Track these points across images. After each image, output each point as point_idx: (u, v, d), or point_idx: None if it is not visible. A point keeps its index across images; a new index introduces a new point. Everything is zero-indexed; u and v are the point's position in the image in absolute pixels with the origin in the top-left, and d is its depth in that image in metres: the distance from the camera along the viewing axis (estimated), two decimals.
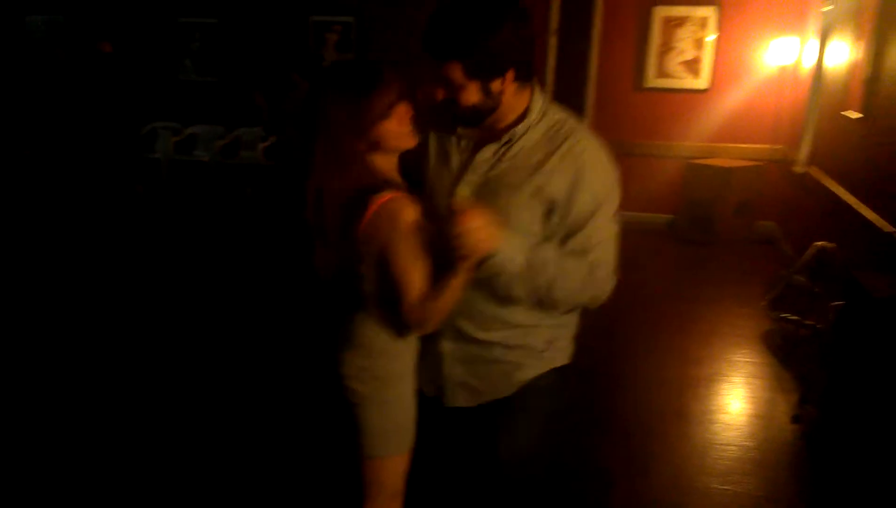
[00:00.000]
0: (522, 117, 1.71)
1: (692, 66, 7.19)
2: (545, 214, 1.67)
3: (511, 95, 1.67)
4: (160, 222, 7.11)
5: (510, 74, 1.63)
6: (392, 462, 1.87)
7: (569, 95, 7.69)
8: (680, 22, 7.13)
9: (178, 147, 8.61)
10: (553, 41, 7.49)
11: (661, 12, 7.14)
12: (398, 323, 1.74)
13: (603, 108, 7.47)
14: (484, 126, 1.73)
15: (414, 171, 1.84)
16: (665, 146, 7.31)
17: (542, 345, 1.83)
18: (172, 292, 5.15)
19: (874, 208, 4.13)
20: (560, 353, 1.89)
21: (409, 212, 1.65)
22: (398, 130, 1.69)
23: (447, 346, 1.84)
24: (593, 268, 1.67)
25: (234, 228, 7.11)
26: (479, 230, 1.52)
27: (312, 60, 6.28)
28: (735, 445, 3.29)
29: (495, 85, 1.63)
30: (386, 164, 1.74)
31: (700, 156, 7.05)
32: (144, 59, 8.60)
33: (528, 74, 1.68)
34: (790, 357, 4.17)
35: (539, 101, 1.73)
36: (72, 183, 7.02)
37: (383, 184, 1.68)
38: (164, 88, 8.72)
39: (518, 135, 1.71)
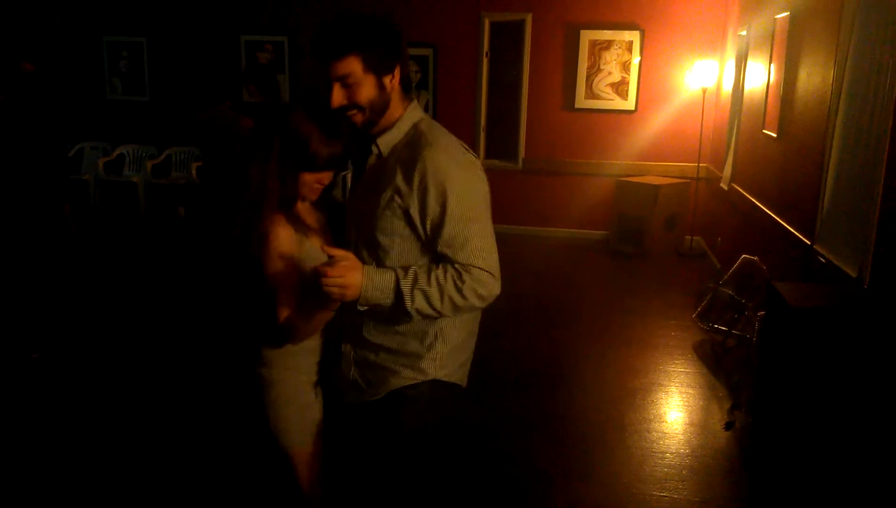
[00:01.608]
0: (390, 129, 1.85)
1: (619, 87, 7.45)
2: (406, 220, 1.78)
3: (396, 99, 1.83)
4: (89, 243, 6.90)
5: (397, 72, 1.80)
6: (297, 453, 2.08)
7: (501, 117, 7.86)
8: (606, 45, 7.39)
9: (107, 167, 8.39)
10: (485, 63, 7.65)
11: (589, 35, 7.39)
12: (273, 333, 1.96)
13: (535, 128, 7.66)
14: (374, 133, 1.85)
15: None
16: (596, 165, 7.53)
17: (420, 352, 1.89)
18: (97, 313, 5.01)
19: (791, 223, 4.37)
20: (440, 368, 1.91)
21: (280, 234, 1.86)
22: (314, 184, 1.90)
23: (346, 347, 1.97)
24: (465, 271, 1.74)
25: (166, 248, 6.97)
26: (343, 280, 1.67)
27: (265, 75, 6.21)
28: (671, 452, 3.41)
29: (387, 80, 1.78)
30: (300, 206, 1.95)
31: (630, 174, 7.29)
32: (70, 78, 8.39)
33: (407, 81, 1.85)
34: (721, 366, 4.36)
35: (415, 115, 1.87)
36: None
37: (279, 202, 1.87)
38: (92, 108, 8.51)
39: (384, 146, 1.84)
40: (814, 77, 4.20)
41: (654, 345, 4.77)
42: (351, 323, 1.94)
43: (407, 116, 1.86)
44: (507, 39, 7.63)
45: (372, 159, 1.88)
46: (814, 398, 2.84)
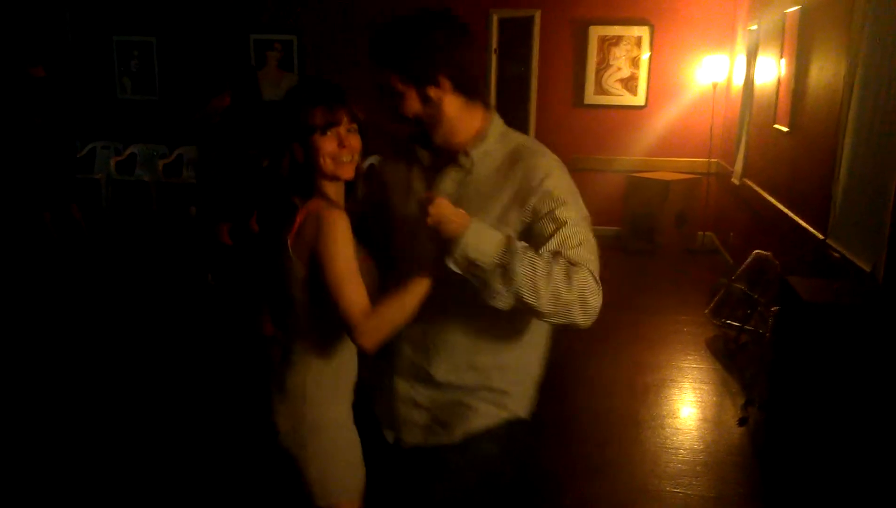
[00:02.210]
0: (478, 140, 1.69)
1: (629, 83, 7.43)
2: (521, 235, 1.62)
3: (455, 109, 1.66)
4: (101, 243, 6.94)
5: (445, 83, 1.62)
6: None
7: (510, 113, 7.84)
8: (615, 41, 7.37)
9: (119, 167, 8.44)
10: (493, 60, 7.64)
11: (598, 31, 7.37)
12: (334, 342, 1.69)
13: (544, 124, 7.64)
14: (439, 148, 1.71)
15: (373, 220, 1.82)
16: (606, 161, 7.52)
17: (506, 388, 1.75)
18: (111, 314, 5.05)
19: (803, 218, 4.35)
20: (519, 403, 1.78)
21: (341, 220, 1.62)
22: (334, 151, 1.67)
23: (402, 384, 1.77)
24: (578, 267, 1.55)
25: (178, 249, 7.00)
26: (447, 211, 1.50)
27: (247, 73, 6.22)
28: (685, 448, 3.41)
29: (432, 92, 1.63)
30: (332, 190, 1.71)
31: (640, 170, 7.28)
32: (81, 78, 8.42)
33: (470, 89, 1.68)
34: (734, 362, 4.35)
35: (498, 126, 1.73)
36: (8, 207, 6.82)
37: (319, 197, 1.69)
38: (102, 108, 8.55)
39: (476, 160, 1.68)
40: (825, 71, 4.18)
41: (667, 341, 4.77)
42: (412, 358, 1.74)
43: (494, 127, 1.71)
44: (516, 36, 7.62)
45: (452, 174, 1.71)
46: (828, 394, 2.83)
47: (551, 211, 1.60)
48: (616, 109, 7.45)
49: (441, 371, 1.72)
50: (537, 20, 7.43)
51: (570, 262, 1.54)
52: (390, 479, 1.81)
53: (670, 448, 3.40)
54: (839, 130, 3.82)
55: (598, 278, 1.58)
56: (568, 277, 1.51)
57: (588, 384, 4.11)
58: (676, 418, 3.74)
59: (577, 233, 1.60)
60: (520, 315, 1.60)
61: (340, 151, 1.67)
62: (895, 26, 3.27)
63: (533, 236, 1.60)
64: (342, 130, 1.68)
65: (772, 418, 3.33)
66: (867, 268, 3.32)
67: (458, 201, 1.60)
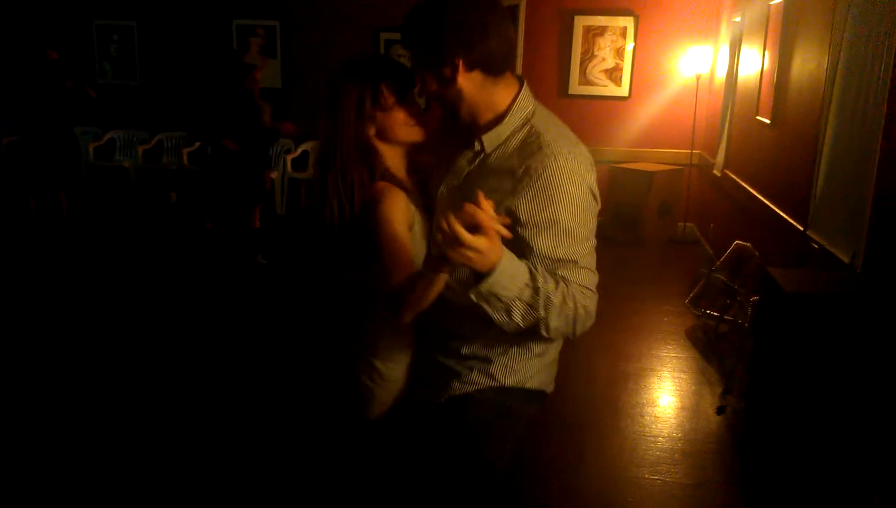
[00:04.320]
0: (494, 123, 1.66)
1: (613, 74, 7.44)
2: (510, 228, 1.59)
3: (475, 88, 1.63)
4: (80, 229, 6.87)
5: (459, 63, 1.59)
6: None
7: None
8: (600, 31, 7.37)
9: (97, 152, 8.34)
10: None
11: (583, 21, 7.37)
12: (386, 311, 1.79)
13: None
14: (465, 125, 1.70)
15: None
16: (590, 151, 7.48)
17: (490, 356, 1.76)
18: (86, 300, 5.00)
19: (784, 209, 4.39)
20: (510, 374, 1.77)
21: (393, 199, 1.72)
22: (405, 118, 1.77)
23: (427, 346, 1.86)
24: (581, 293, 1.59)
25: (159, 233, 6.94)
26: (484, 245, 1.41)
27: (234, 60, 6.19)
28: (664, 436, 3.43)
29: (446, 71, 1.61)
30: (393, 157, 1.81)
31: (623, 161, 7.30)
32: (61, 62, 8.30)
33: (492, 67, 1.62)
34: (713, 351, 4.38)
35: (524, 107, 1.68)
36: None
37: (381, 174, 1.76)
38: (82, 92, 8.43)
39: (491, 141, 1.67)
40: (808, 63, 4.20)
41: (648, 330, 4.80)
42: (426, 317, 1.74)
43: (517, 109, 1.66)
44: None
45: (468, 155, 1.71)
46: (807, 383, 2.86)
47: (563, 223, 1.58)
48: (600, 100, 7.46)
49: (444, 329, 1.77)
50: (522, 9, 7.41)
51: (577, 285, 1.59)
52: (405, 433, 1.93)
53: (649, 436, 3.42)
54: (820, 122, 3.84)
55: (595, 292, 1.64)
56: (576, 311, 1.58)
57: (568, 372, 4.08)
58: (656, 406, 3.77)
59: (587, 254, 1.62)
60: None
61: (410, 116, 1.78)
62: (877, 19, 3.29)
63: (543, 240, 1.58)
64: (407, 98, 1.77)
65: (750, 407, 3.37)
66: (846, 259, 3.35)
67: (469, 183, 1.67)
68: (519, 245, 1.58)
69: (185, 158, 8.05)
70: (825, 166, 3.82)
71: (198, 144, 7.82)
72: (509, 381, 1.77)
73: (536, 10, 7.41)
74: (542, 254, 1.58)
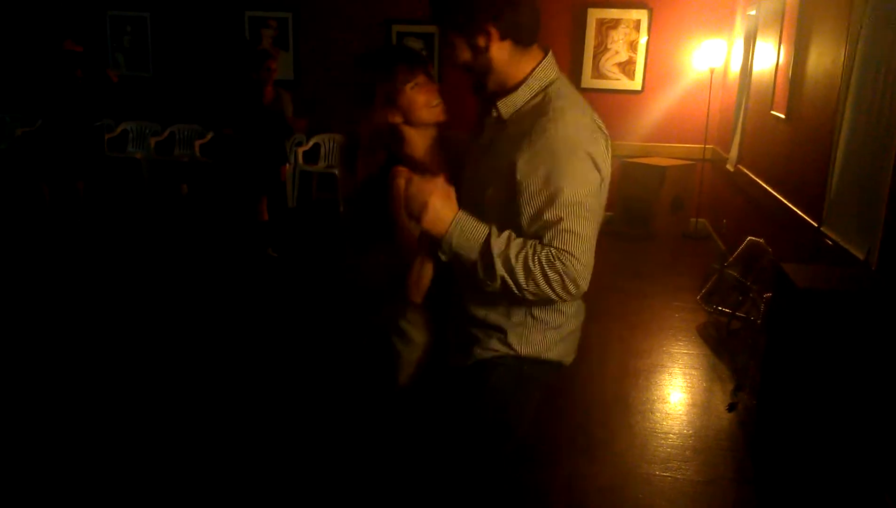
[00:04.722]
0: (511, 91, 1.72)
1: (626, 67, 7.39)
2: (512, 193, 1.65)
3: (505, 57, 1.69)
4: (94, 220, 6.90)
5: (494, 32, 1.65)
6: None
7: None
8: (613, 24, 7.32)
9: (110, 144, 8.37)
10: None
11: (596, 14, 7.32)
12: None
13: None
14: (491, 94, 1.75)
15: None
16: (601, 122, 7.47)
17: (505, 325, 1.80)
18: (102, 291, 5.02)
19: (798, 205, 4.35)
20: (526, 345, 1.81)
21: (402, 181, 1.81)
22: (425, 100, 1.93)
23: (454, 313, 1.93)
24: (558, 259, 1.60)
25: (169, 225, 6.97)
26: (428, 199, 1.62)
27: (247, 48, 6.19)
28: (675, 433, 3.42)
29: (480, 40, 1.66)
30: (422, 140, 1.97)
31: (636, 155, 7.25)
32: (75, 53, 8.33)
33: (521, 37, 1.69)
34: (724, 348, 4.35)
35: (544, 77, 1.72)
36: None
37: (402, 160, 1.90)
38: (102, 79, 8.46)
39: (507, 107, 1.72)
40: (824, 57, 4.15)
41: (659, 327, 4.77)
42: (457, 289, 1.89)
43: (535, 77, 1.71)
44: None
45: (491, 122, 1.77)
46: (820, 380, 2.83)
47: (554, 184, 1.60)
48: (613, 94, 7.41)
49: (467, 299, 1.84)
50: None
51: (557, 252, 1.60)
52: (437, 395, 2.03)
53: (660, 433, 3.41)
54: (836, 117, 3.80)
55: (587, 261, 1.63)
56: (547, 276, 1.60)
57: (579, 367, 4.08)
58: (666, 402, 3.75)
59: (573, 217, 1.61)
60: None
61: (430, 98, 1.94)
62: (895, 12, 3.24)
63: (533, 201, 1.63)
64: (423, 82, 1.94)
65: (762, 404, 3.34)
66: (861, 256, 3.31)
67: (485, 150, 1.77)
68: (513, 198, 1.65)
69: (196, 150, 8.06)
70: (840, 162, 3.78)
71: (210, 135, 7.85)
72: (525, 351, 1.82)
73: (549, 3, 7.35)
74: (530, 213, 1.63)
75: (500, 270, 1.61)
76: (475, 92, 1.80)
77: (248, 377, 3.81)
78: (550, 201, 1.60)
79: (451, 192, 1.66)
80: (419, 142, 1.97)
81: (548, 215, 1.61)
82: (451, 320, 1.94)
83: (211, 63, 7.86)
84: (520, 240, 1.63)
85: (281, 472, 2.96)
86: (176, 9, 8.25)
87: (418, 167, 1.86)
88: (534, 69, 1.72)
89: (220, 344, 4.23)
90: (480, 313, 1.82)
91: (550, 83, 1.72)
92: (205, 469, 2.99)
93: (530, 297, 1.64)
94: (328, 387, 3.68)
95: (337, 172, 7.82)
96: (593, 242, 1.66)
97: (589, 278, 1.65)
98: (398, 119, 1.94)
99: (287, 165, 6.13)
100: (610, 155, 1.72)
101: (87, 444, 3.13)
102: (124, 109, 8.47)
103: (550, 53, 1.76)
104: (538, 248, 1.61)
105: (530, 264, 1.60)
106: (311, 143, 8.08)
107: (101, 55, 8.43)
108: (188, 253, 6.06)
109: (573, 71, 7.40)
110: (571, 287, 1.62)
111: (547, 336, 1.83)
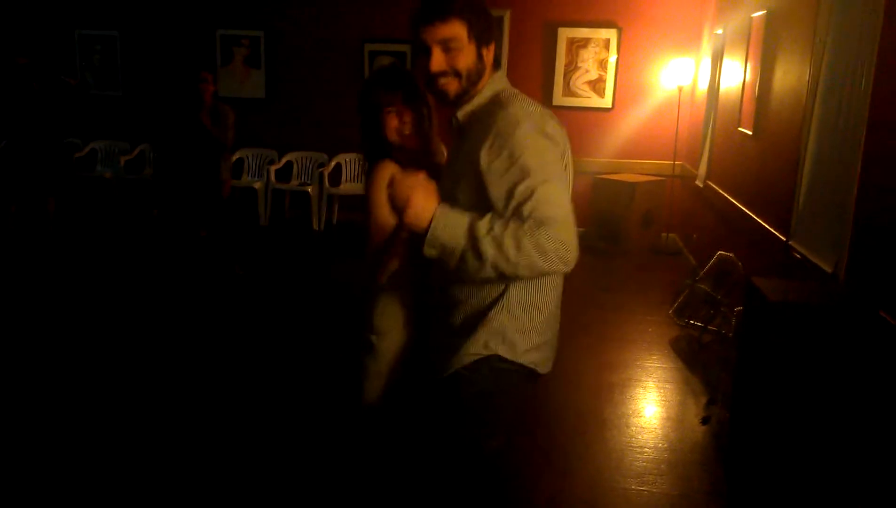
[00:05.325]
0: (469, 99, 1.85)
1: (596, 85, 7.48)
2: (481, 188, 1.71)
3: (488, 71, 1.85)
4: (63, 239, 6.79)
5: (492, 48, 1.83)
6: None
7: None
8: (584, 43, 7.42)
9: (79, 163, 8.26)
10: None
11: (566, 33, 7.42)
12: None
13: None
14: (452, 101, 1.85)
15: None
16: (574, 162, 7.53)
17: (482, 324, 1.82)
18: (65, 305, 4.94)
19: (766, 219, 4.42)
20: (501, 343, 1.82)
21: (384, 171, 2.07)
22: (396, 126, 2.16)
23: (431, 325, 1.99)
24: (542, 224, 1.61)
25: (140, 243, 6.88)
26: (414, 194, 1.66)
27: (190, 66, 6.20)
28: (650, 447, 3.43)
29: (485, 52, 1.81)
30: (401, 155, 2.17)
31: (606, 171, 7.33)
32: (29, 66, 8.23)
33: (497, 58, 1.86)
34: (697, 362, 4.39)
35: (495, 86, 1.86)
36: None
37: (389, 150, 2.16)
38: (60, 87, 8.36)
39: (465, 114, 1.85)
40: (790, 75, 4.24)
41: (632, 341, 4.80)
42: (432, 301, 1.96)
43: (489, 85, 1.85)
44: None
45: (453, 133, 1.91)
46: (791, 392, 2.87)
47: (517, 160, 1.67)
48: (584, 111, 7.50)
49: (444, 309, 1.89)
50: (507, 21, 7.44)
51: (537, 221, 1.61)
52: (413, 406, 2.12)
53: (636, 447, 3.42)
54: (802, 133, 3.88)
55: (569, 224, 1.65)
56: (538, 244, 1.60)
57: (554, 382, 4.10)
58: (641, 417, 3.76)
59: (543, 184, 1.65)
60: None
61: (402, 125, 2.16)
62: (858, 31, 3.33)
63: (502, 183, 1.67)
64: (401, 107, 2.16)
65: (735, 417, 3.37)
66: (829, 269, 3.37)
67: (454, 154, 1.89)
68: (485, 193, 1.70)
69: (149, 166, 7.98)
70: (807, 177, 3.86)
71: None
72: (502, 350, 1.83)
73: (521, 22, 7.45)
74: (502, 195, 1.68)
75: (489, 248, 1.61)
76: (441, 103, 1.87)
77: (217, 398, 3.76)
78: (518, 176, 1.66)
79: (433, 187, 1.70)
80: (402, 160, 2.14)
81: (520, 190, 1.65)
82: (425, 335, 1.97)
83: (181, 82, 7.81)
84: (502, 219, 1.65)
85: (259, 486, 2.92)
86: (146, 27, 8.20)
87: (406, 163, 2.07)
88: (487, 81, 1.86)
89: (188, 365, 4.17)
90: (458, 318, 1.85)
91: (503, 90, 1.86)
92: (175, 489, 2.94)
93: (524, 272, 1.63)
94: (306, 403, 3.65)
95: (310, 190, 7.80)
96: (570, 208, 1.69)
97: (577, 243, 1.64)
98: (386, 131, 2.18)
99: (226, 181, 5.99)
100: (568, 144, 1.85)
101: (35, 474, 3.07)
102: (93, 128, 8.39)
103: (502, 68, 1.91)
104: (522, 223, 1.62)
105: (519, 235, 1.60)
106: (283, 161, 8.05)
107: (69, 74, 8.35)
108: (155, 272, 5.98)
109: (545, 89, 7.48)
110: (563, 251, 1.61)
111: (525, 337, 1.85)
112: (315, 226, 7.88)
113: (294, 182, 8.06)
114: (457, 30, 1.75)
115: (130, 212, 8.03)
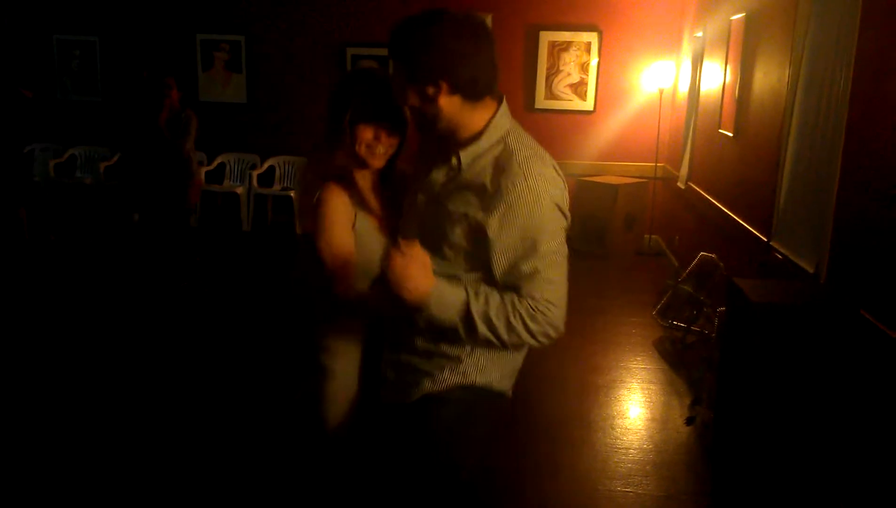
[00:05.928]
0: (471, 141, 1.71)
1: (578, 88, 7.51)
2: (473, 238, 1.67)
3: (455, 109, 1.68)
4: (41, 247, 6.71)
5: (444, 85, 1.64)
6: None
7: None
8: (565, 46, 7.45)
9: (57, 169, 8.18)
10: None
11: (548, 37, 7.44)
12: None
13: None
14: (442, 141, 1.75)
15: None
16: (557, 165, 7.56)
17: (460, 355, 1.79)
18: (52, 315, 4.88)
19: (747, 220, 4.45)
20: (480, 373, 1.81)
21: (333, 201, 1.87)
22: (369, 140, 1.89)
23: (385, 345, 1.91)
24: (538, 309, 1.66)
25: (120, 250, 6.81)
26: (410, 277, 1.59)
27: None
28: (635, 448, 3.44)
29: (429, 90, 1.65)
30: (360, 175, 1.94)
31: (589, 174, 7.35)
32: (20, 78, 8.14)
33: (474, 92, 1.68)
34: (681, 362, 4.41)
35: (500, 126, 1.73)
36: None
37: (332, 175, 1.91)
38: (42, 108, 8.28)
39: (468, 157, 1.71)
40: (769, 77, 4.28)
41: (616, 342, 4.82)
42: (391, 322, 1.88)
43: (492, 128, 1.71)
44: None
45: (445, 169, 1.76)
46: (774, 392, 2.88)
47: (528, 237, 1.64)
48: (566, 114, 7.52)
49: (409, 333, 1.81)
50: (488, 24, 7.43)
51: (534, 306, 1.65)
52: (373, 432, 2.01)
53: (621, 448, 3.42)
54: (782, 135, 3.91)
55: (563, 303, 1.70)
56: (528, 328, 1.66)
57: (538, 385, 4.11)
58: (626, 418, 3.77)
59: (549, 267, 1.66)
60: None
61: (375, 142, 1.89)
62: (837, 33, 3.36)
63: (508, 254, 1.66)
64: (382, 133, 1.89)
65: (719, 416, 3.39)
66: (810, 269, 3.40)
67: (443, 194, 1.74)
68: (486, 259, 1.67)
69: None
70: (787, 178, 3.89)
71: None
72: (480, 380, 1.81)
73: (502, 26, 7.46)
74: (504, 266, 1.66)
75: (482, 328, 1.66)
76: (418, 129, 1.80)
77: (196, 405, 3.73)
78: (526, 253, 1.64)
79: (428, 261, 1.63)
80: (360, 179, 1.95)
81: (524, 267, 1.65)
82: (386, 355, 1.90)
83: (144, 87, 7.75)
84: (497, 296, 1.67)
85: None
86: (126, 32, 8.13)
87: (350, 184, 1.92)
88: (490, 119, 1.72)
89: (164, 372, 4.13)
90: (430, 345, 1.80)
91: (507, 133, 1.73)
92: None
93: (511, 343, 1.71)
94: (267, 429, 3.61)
95: (293, 194, 7.76)
96: (566, 284, 1.72)
97: (565, 318, 1.71)
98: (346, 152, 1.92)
99: (193, 185, 5.91)
100: (566, 186, 1.77)
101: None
102: (72, 134, 8.30)
103: (504, 102, 1.77)
104: (517, 301, 1.66)
105: (512, 320, 1.65)
106: (265, 165, 8.01)
107: (48, 79, 8.27)
108: (133, 277, 5.92)
109: (527, 92, 7.50)
110: (552, 332, 1.70)
111: (501, 365, 1.84)
112: (298, 230, 7.84)
113: (276, 187, 8.02)
114: (395, 70, 1.71)
115: (110, 218, 7.95)
